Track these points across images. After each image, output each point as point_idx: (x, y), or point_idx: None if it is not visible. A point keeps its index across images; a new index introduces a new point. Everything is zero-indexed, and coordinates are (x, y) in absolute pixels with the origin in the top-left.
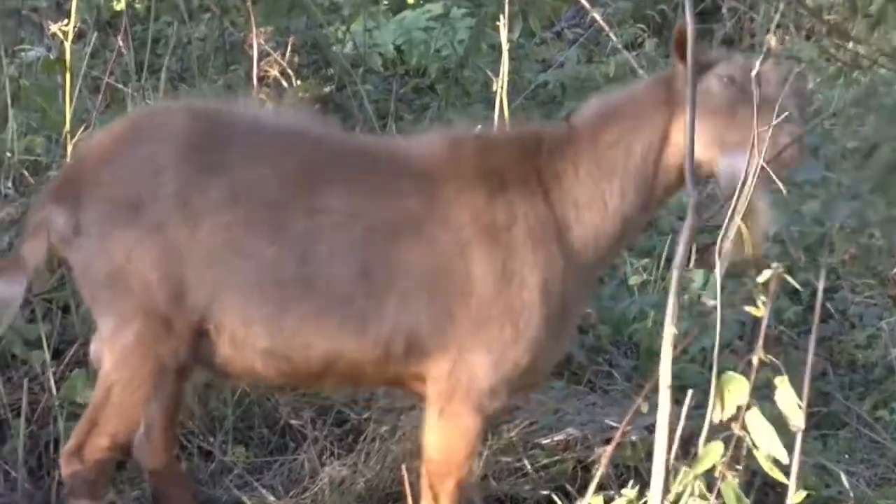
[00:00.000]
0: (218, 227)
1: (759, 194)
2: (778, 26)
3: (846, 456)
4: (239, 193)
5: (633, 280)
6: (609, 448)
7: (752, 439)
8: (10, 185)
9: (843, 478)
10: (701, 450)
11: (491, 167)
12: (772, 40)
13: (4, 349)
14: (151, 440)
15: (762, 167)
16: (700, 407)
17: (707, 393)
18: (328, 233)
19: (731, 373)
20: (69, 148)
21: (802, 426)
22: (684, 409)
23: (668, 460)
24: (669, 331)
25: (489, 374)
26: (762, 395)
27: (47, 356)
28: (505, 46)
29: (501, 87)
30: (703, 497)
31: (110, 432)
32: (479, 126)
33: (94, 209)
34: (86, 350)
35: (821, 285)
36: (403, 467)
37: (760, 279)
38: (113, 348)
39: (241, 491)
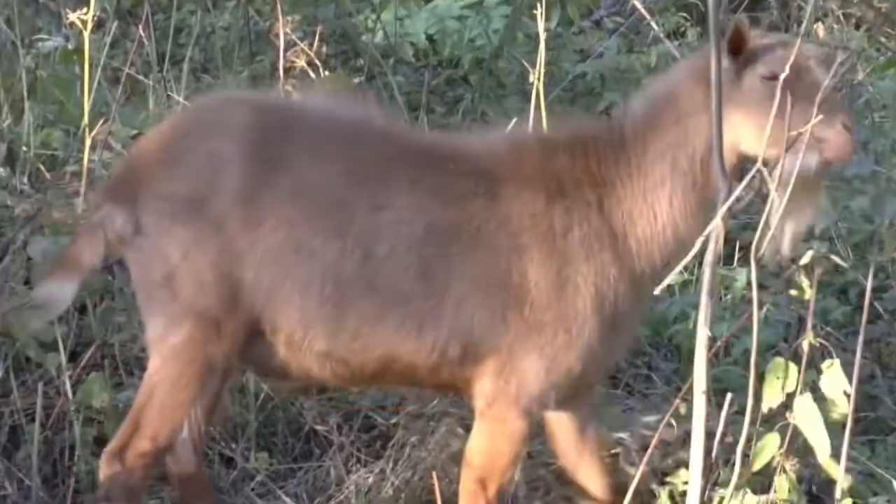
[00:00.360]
0: (279, 224)
1: (807, 192)
2: (826, 15)
3: None
4: (302, 190)
5: (673, 279)
6: (647, 453)
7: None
8: (25, 180)
9: (895, 484)
10: (739, 455)
11: (551, 171)
12: (819, 29)
13: (19, 352)
14: (183, 444)
15: (818, 162)
16: (741, 412)
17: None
18: (390, 230)
19: (778, 359)
20: (87, 142)
21: (849, 413)
22: (723, 413)
23: (706, 467)
24: (703, 332)
25: (539, 380)
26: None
27: (63, 359)
28: (542, 36)
29: (538, 79)
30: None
31: (152, 434)
32: (516, 120)
33: (152, 207)
34: (103, 352)
35: (869, 284)
36: (434, 475)
37: (803, 261)
38: (161, 348)
39: (263, 499)
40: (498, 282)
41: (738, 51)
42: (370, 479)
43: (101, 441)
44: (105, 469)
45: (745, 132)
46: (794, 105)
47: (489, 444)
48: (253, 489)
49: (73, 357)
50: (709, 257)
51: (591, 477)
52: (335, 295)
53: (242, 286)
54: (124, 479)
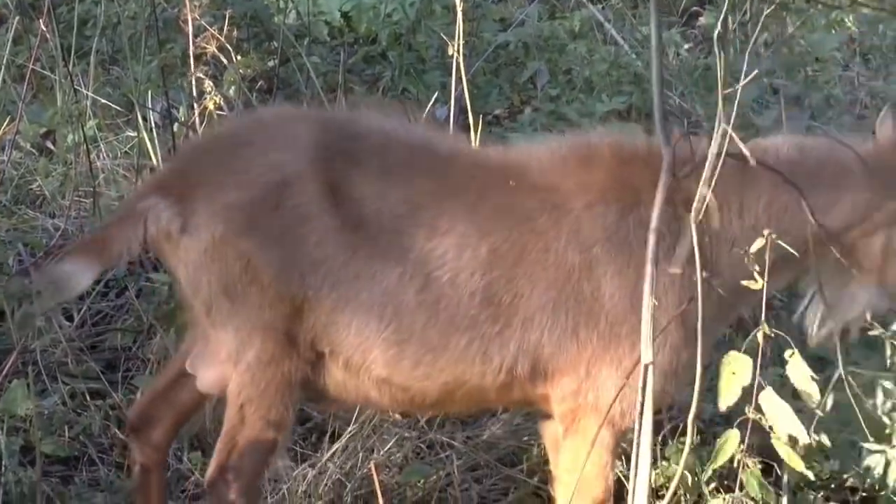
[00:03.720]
0: (340, 247)
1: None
2: None
3: None
4: (362, 213)
5: None
6: (598, 427)
7: (767, 422)
8: None
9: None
10: (690, 427)
11: (625, 180)
12: None
13: None
14: (154, 436)
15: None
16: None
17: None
18: (451, 255)
19: (733, 352)
20: None
21: (818, 397)
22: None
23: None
24: (648, 301)
25: (616, 392)
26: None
27: None
28: (459, 6)
29: (458, 51)
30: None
31: (251, 450)
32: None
33: (208, 211)
34: (24, 359)
35: (811, 245)
36: (373, 466)
37: (753, 248)
38: (237, 367)
39: (198, 501)
40: (568, 297)
41: None
42: (309, 474)
43: (27, 450)
44: (211, 489)
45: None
46: None
47: (576, 460)
48: (184, 490)
49: None
50: (653, 223)
51: None
52: (395, 321)
53: (305, 304)
54: (233, 495)
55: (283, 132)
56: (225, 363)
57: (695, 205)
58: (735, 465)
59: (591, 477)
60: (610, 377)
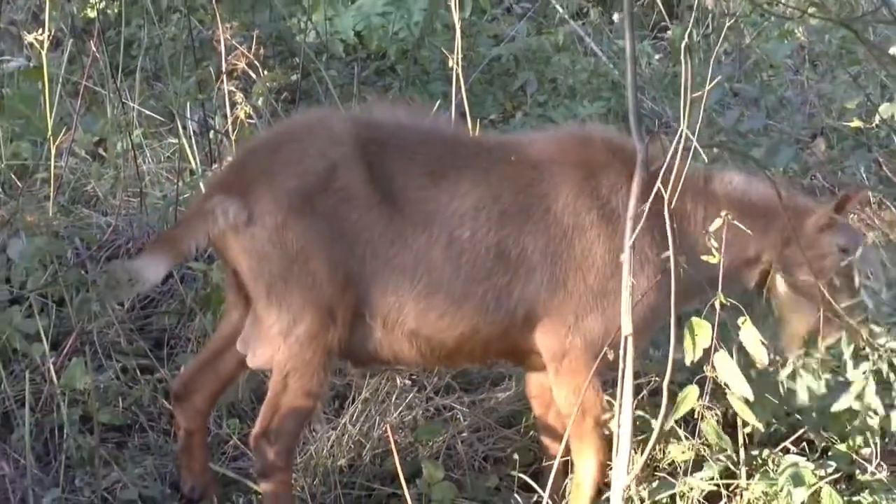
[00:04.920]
0: (378, 218)
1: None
2: None
3: None
4: (394, 189)
5: None
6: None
7: (721, 380)
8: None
9: None
10: (665, 392)
11: (616, 163)
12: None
13: (5, 344)
14: (196, 403)
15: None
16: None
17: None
18: (471, 215)
19: (695, 318)
20: (53, 150)
21: (766, 361)
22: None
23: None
24: (626, 280)
25: (601, 337)
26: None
27: (46, 348)
28: (458, 25)
29: (457, 64)
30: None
31: (292, 414)
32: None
33: (268, 198)
34: (82, 339)
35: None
36: (388, 427)
37: (712, 227)
38: (287, 341)
39: (236, 462)
40: (563, 253)
41: (839, 212)
42: (332, 435)
43: (86, 419)
44: (255, 449)
45: (793, 264)
46: (841, 278)
47: (569, 391)
48: (224, 453)
49: (56, 346)
50: (630, 211)
51: (548, 432)
52: (426, 277)
53: (350, 275)
54: (273, 455)
55: (324, 128)
56: (275, 338)
57: (667, 194)
58: (696, 416)
59: (588, 400)
60: (595, 323)
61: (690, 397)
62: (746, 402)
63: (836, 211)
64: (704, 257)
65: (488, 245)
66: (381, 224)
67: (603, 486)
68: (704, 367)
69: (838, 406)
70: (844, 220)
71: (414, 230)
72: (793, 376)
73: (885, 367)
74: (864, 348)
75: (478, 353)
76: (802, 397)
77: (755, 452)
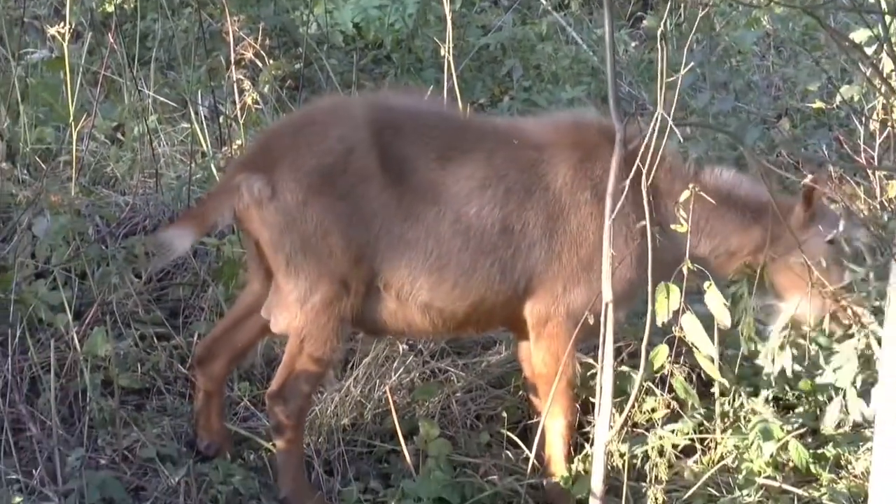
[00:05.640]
0: (392, 197)
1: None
2: None
3: None
4: (406, 169)
5: None
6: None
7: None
8: (25, 171)
9: None
10: (643, 353)
11: (612, 145)
12: None
13: (32, 315)
14: (215, 368)
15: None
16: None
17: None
18: (477, 193)
19: (664, 282)
20: (75, 135)
21: (729, 324)
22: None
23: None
24: (607, 250)
25: (585, 305)
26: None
27: (70, 318)
28: (449, 16)
29: (448, 53)
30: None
31: (306, 376)
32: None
33: (291, 175)
34: (103, 310)
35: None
36: (387, 389)
37: (681, 198)
38: (303, 308)
39: (247, 422)
40: (559, 227)
41: (809, 205)
42: (336, 396)
43: (107, 384)
44: (270, 408)
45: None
46: (832, 268)
47: (547, 355)
48: (235, 413)
49: (78, 316)
50: (610, 188)
51: (535, 392)
52: (437, 250)
53: (365, 249)
54: (287, 414)
55: (344, 113)
56: (292, 305)
57: (644, 170)
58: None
59: (563, 363)
60: (580, 294)
61: (661, 355)
62: (712, 360)
63: (807, 205)
64: (673, 226)
65: (493, 220)
66: (394, 202)
67: (584, 443)
68: (674, 329)
69: (822, 379)
70: (819, 208)
71: (424, 207)
72: (782, 347)
73: (872, 343)
74: (850, 327)
75: (483, 322)
76: (787, 368)
77: (727, 409)
